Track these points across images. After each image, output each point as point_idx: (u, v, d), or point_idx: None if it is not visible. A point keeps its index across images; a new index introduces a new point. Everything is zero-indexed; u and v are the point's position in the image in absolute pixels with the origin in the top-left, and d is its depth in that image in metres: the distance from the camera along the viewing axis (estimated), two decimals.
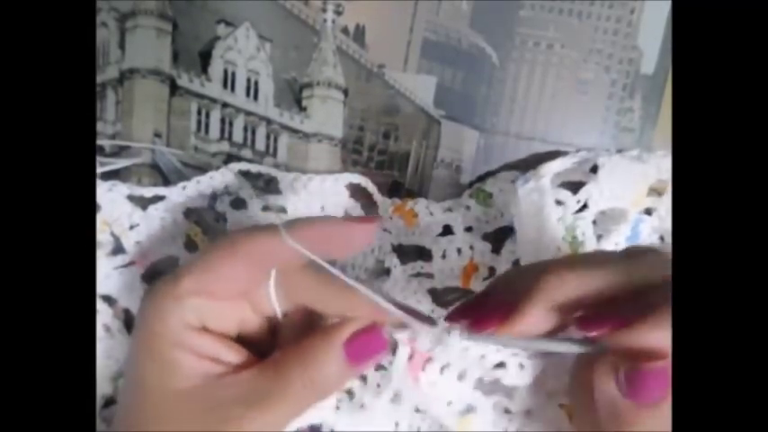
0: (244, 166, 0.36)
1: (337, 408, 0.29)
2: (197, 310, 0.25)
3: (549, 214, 0.31)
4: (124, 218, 0.33)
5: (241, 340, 0.26)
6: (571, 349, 0.23)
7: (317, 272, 0.25)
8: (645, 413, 0.21)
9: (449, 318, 0.25)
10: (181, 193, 0.35)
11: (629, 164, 0.32)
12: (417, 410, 0.29)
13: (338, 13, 0.37)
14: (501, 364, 0.26)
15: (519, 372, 0.26)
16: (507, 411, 0.28)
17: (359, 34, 0.37)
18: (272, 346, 0.26)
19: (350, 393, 0.30)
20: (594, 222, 0.32)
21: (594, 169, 0.32)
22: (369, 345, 0.24)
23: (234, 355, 0.25)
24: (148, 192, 0.34)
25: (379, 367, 0.30)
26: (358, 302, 0.24)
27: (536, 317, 0.23)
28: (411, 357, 0.25)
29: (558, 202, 0.31)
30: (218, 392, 0.24)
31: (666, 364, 0.20)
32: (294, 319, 0.26)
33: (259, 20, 0.37)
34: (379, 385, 0.29)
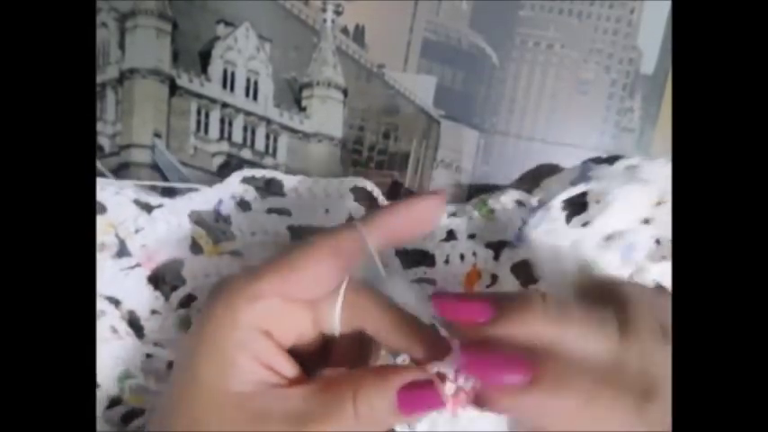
0: (248, 172, 0.35)
1: None
2: (269, 313, 0.24)
3: (565, 250, 0.31)
4: (129, 221, 0.33)
5: (292, 354, 0.26)
6: None
7: (383, 300, 0.25)
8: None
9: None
10: (186, 201, 0.34)
11: (636, 188, 0.31)
12: None
13: (338, 13, 0.37)
14: None
15: None
16: None
17: (359, 34, 0.37)
18: (318, 363, 0.26)
19: None
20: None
21: (605, 198, 0.32)
22: (423, 399, 0.23)
23: (289, 368, 0.25)
24: (155, 200, 0.34)
25: None
26: (416, 342, 0.24)
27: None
28: (456, 393, 0.25)
29: (574, 242, 0.31)
30: (268, 404, 0.24)
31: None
32: (349, 342, 0.26)
33: (259, 20, 0.37)
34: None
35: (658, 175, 0.32)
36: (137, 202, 0.34)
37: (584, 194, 0.32)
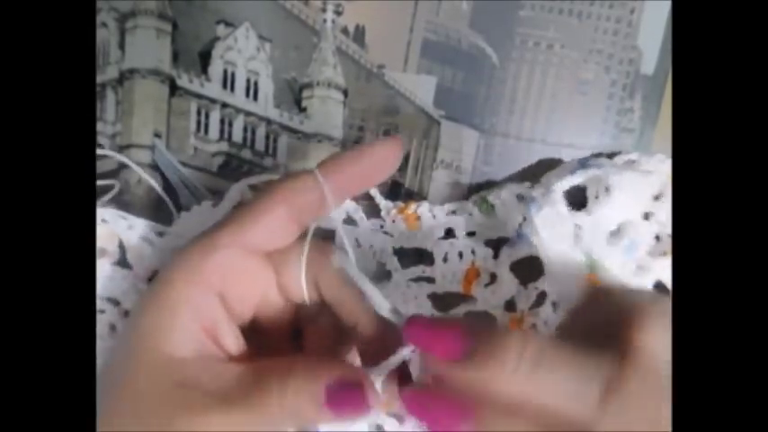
0: (252, 180, 0.35)
1: None
2: (226, 267, 0.24)
3: (567, 238, 0.31)
4: (135, 249, 0.33)
5: (255, 334, 0.25)
6: None
7: (344, 273, 0.24)
8: None
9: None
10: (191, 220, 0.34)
11: (637, 177, 0.31)
12: None
13: (338, 13, 0.37)
14: None
15: None
16: None
17: (359, 34, 0.37)
18: (289, 351, 0.26)
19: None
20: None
21: (607, 188, 0.32)
22: (349, 400, 0.22)
23: (233, 342, 0.24)
24: (159, 231, 0.34)
25: None
26: (368, 318, 0.24)
27: None
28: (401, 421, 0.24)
29: (577, 227, 0.31)
30: (198, 375, 0.23)
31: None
32: (321, 329, 0.26)
33: (259, 20, 0.37)
34: None
35: (658, 168, 0.32)
36: (144, 239, 0.33)
37: (583, 191, 0.32)
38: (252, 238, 0.24)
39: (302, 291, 0.25)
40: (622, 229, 0.31)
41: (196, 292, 0.23)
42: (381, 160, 0.26)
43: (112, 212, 0.33)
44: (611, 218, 0.31)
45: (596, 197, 0.31)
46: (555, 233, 0.30)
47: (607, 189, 0.31)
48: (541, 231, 0.30)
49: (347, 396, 0.22)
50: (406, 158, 0.38)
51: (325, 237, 0.27)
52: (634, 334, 0.19)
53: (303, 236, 0.26)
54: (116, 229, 0.32)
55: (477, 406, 0.20)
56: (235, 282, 0.24)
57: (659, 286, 0.30)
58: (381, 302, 0.24)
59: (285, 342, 0.26)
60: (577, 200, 0.32)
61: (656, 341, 0.19)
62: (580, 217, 0.31)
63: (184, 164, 0.37)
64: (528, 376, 0.19)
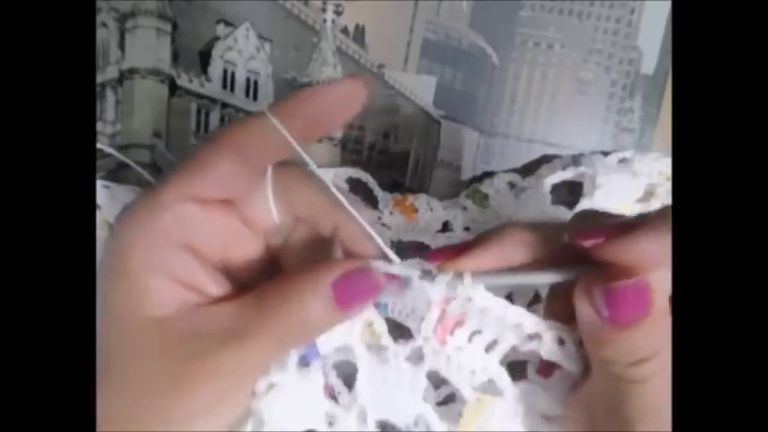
0: None
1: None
2: (182, 221, 0.22)
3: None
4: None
5: (231, 271, 0.24)
6: (546, 279, 0.23)
7: (316, 186, 0.23)
8: (625, 334, 0.20)
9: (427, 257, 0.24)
10: None
11: (624, 179, 0.32)
12: (433, 378, 0.27)
13: (338, 13, 0.37)
14: (537, 336, 0.24)
15: (557, 347, 0.24)
16: (532, 408, 0.26)
17: (359, 34, 0.37)
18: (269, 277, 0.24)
19: (378, 339, 0.28)
20: None
21: (593, 184, 0.32)
22: (359, 287, 0.22)
23: (215, 285, 0.23)
24: None
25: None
26: (350, 225, 0.23)
27: (487, 252, 0.23)
28: (441, 319, 0.23)
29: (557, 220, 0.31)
30: (194, 324, 0.22)
31: (643, 280, 0.20)
32: (298, 254, 0.24)
33: (259, 20, 0.37)
34: (399, 340, 0.27)
35: (650, 169, 0.32)
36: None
37: (580, 187, 0.32)
38: (201, 190, 0.22)
39: (272, 214, 0.24)
40: None
41: (157, 254, 0.22)
42: (342, 99, 0.23)
43: (98, 186, 0.32)
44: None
45: (583, 195, 0.32)
46: (535, 216, 0.31)
47: (593, 187, 0.31)
48: (522, 214, 0.31)
49: (355, 285, 0.22)
50: (406, 158, 0.38)
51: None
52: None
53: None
54: (105, 213, 0.32)
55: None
56: (193, 233, 0.23)
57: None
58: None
59: (265, 275, 0.25)
60: (577, 198, 0.32)
61: None
62: (562, 211, 0.31)
63: None
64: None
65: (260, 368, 0.22)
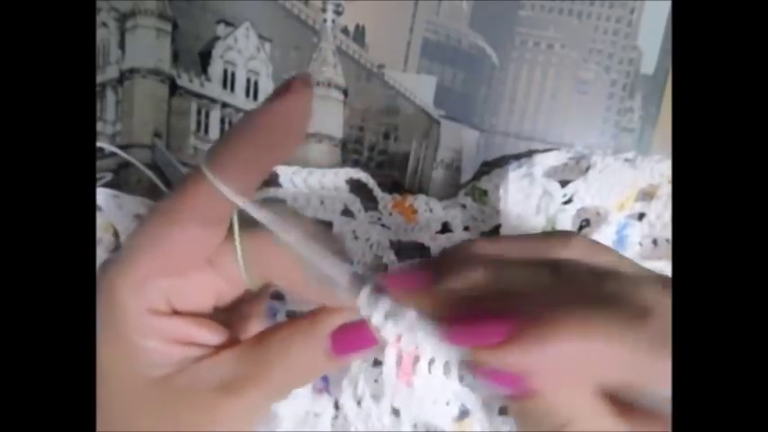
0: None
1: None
2: (162, 293, 0.22)
3: (533, 203, 0.31)
4: (129, 221, 0.33)
5: (223, 314, 0.24)
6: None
7: (282, 251, 0.22)
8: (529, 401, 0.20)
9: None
10: None
11: (620, 166, 0.32)
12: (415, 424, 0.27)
13: (338, 13, 0.37)
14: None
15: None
16: (499, 411, 0.27)
17: (359, 34, 0.37)
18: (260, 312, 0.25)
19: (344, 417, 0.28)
20: (588, 223, 0.32)
21: (587, 168, 0.32)
22: (356, 339, 0.22)
23: (211, 335, 0.23)
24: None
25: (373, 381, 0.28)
26: (326, 293, 0.22)
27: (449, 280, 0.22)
28: (400, 361, 0.23)
29: (545, 193, 0.32)
30: (195, 378, 0.22)
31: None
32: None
33: (259, 20, 0.37)
34: (375, 398, 0.28)
35: (651, 169, 0.32)
36: (137, 217, 0.33)
37: (572, 178, 0.32)
38: (171, 266, 0.22)
39: (245, 283, 0.23)
40: (601, 215, 0.32)
41: (145, 322, 0.22)
42: (281, 127, 0.20)
43: (104, 193, 0.32)
44: (583, 196, 0.31)
45: (576, 173, 0.32)
46: (523, 192, 0.31)
47: (587, 168, 0.32)
48: (511, 188, 0.31)
49: (353, 336, 0.22)
50: (406, 158, 0.38)
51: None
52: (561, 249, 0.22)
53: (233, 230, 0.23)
54: (110, 217, 0.32)
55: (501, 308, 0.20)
56: (176, 299, 0.23)
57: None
58: (340, 271, 0.21)
59: (255, 307, 0.26)
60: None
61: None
62: (551, 184, 0.31)
63: (184, 164, 0.37)
64: (494, 253, 0.21)
65: (257, 414, 0.23)
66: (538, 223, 0.31)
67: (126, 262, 0.22)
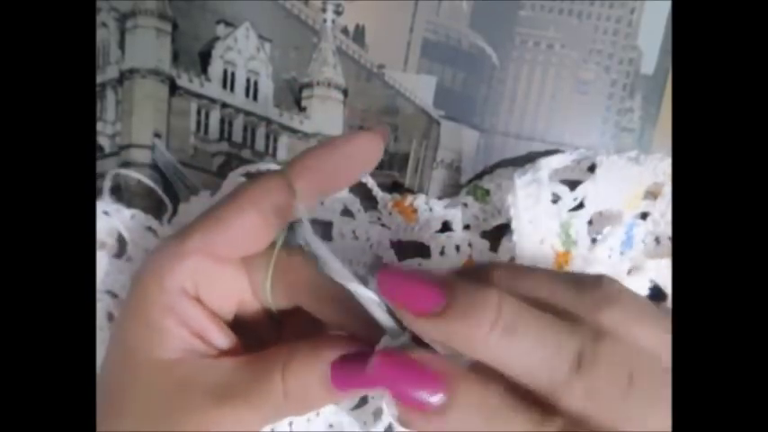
0: (244, 169, 0.35)
1: None
2: (197, 274, 0.23)
3: (544, 208, 0.31)
4: (139, 238, 0.33)
5: (240, 328, 0.24)
6: None
7: (316, 273, 0.22)
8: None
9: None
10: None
11: (625, 164, 0.32)
12: None
13: (338, 13, 0.37)
14: None
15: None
16: None
17: (359, 34, 0.37)
18: (269, 341, 0.24)
19: None
20: (590, 223, 0.32)
21: (592, 168, 0.32)
22: (356, 374, 0.21)
23: (222, 338, 0.23)
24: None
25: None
26: (352, 319, 0.22)
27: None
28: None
29: (555, 197, 0.31)
30: (193, 373, 0.22)
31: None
32: (300, 318, 0.24)
33: (259, 20, 0.37)
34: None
35: (655, 167, 0.32)
36: (149, 229, 0.33)
37: (578, 178, 0.32)
38: (220, 246, 0.23)
39: (268, 300, 0.24)
40: (614, 217, 0.31)
41: (171, 299, 0.23)
42: (359, 156, 0.23)
43: (114, 205, 0.33)
44: (594, 199, 0.31)
45: (581, 174, 0.32)
46: (532, 198, 0.31)
47: (591, 168, 0.31)
48: (519, 195, 0.30)
49: (354, 371, 0.21)
50: (406, 158, 0.38)
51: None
52: (605, 314, 0.18)
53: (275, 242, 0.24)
54: (116, 221, 0.32)
55: (449, 376, 0.18)
56: (208, 287, 0.23)
57: (655, 288, 0.30)
58: (382, 318, 0.21)
59: (272, 333, 0.26)
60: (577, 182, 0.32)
61: (630, 325, 0.19)
62: (560, 187, 0.31)
63: (184, 164, 0.37)
64: (502, 337, 0.18)
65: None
66: (552, 229, 0.31)
67: (182, 235, 0.23)
